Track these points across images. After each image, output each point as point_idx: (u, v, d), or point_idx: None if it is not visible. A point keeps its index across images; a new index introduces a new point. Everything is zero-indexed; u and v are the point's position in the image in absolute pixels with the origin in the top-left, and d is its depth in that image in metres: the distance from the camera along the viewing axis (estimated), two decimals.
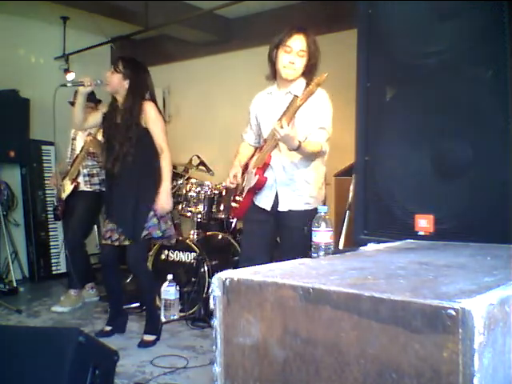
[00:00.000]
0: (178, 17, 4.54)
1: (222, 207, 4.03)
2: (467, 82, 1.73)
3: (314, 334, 0.93)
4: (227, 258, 3.85)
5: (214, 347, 1.08)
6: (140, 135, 3.03)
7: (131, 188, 3.03)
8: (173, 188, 4.13)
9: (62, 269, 5.00)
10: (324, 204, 2.68)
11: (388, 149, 1.93)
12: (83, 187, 3.93)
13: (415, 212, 1.82)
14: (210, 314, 3.28)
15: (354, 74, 2.04)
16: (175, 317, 3.59)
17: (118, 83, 3.08)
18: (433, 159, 1.79)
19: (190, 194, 4.03)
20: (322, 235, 1.66)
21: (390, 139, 1.93)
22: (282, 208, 2.61)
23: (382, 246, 1.62)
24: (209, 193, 4.00)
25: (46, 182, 4.90)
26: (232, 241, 3.93)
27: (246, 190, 2.73)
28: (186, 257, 3.79)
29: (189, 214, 4.05)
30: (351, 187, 2.89)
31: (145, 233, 3.06)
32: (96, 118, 3.28)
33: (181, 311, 3.64)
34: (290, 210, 2.60)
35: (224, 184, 4.00)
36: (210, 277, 3.49)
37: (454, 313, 0.76)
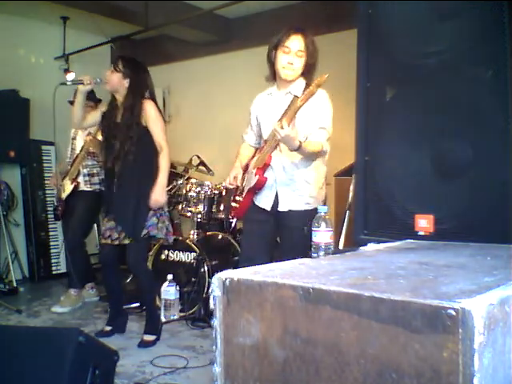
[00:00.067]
0: (178, 17, 4.54)
1: (221, 207, 4.03)
2: (467, 81, 1.73)
3: (313, 333, 0.93)
4: (227, 257, 3.85)
5: (213, 347, 1.08)
6: (140, 134, 3.04)
7: (132, 187, 3.03)
8: (173, 188, 4.15)
9: (62, 269, 5.00)
10: (324, 204, 2.68)
11: (388, 149, 1.93)
12: (83, 187, 3.93)
13: (415, 212, 1.82)
14: (210, 314, 3.28)
15: (353, 73, 2.04)
16: (175, 317, 3.59)
17: (117, 82, 3.08)
18: (433, 159, 1.79)
19: (190, 194, 4.03)
20: (321, 235, 1.66)
21: (389, 139, 1.93)
22: (281, 208, 2.62)
23: (382, 246, 1.62)
24: (209, 193, 4.00)
25: (46, 181, 4.90)
26: (232, 241, 3.93)
27: (245, 190, 2.73)
28: (186, 257, 3.79)
29: (189, 213, 4.05)
30: (351, 187, 2.89)
31: (144, 232, 3.06)
32: (95, 117, 3.28)
33: (181, 311, 3.64)
34: (289, 210, 2.60)
35: (224, 184, 4.01)
36: (210, 277, 3.49)
37: (453, 313, 0.76)
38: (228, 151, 4.06)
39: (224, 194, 4.02)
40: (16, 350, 1.82)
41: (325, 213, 1.68)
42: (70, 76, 5.05)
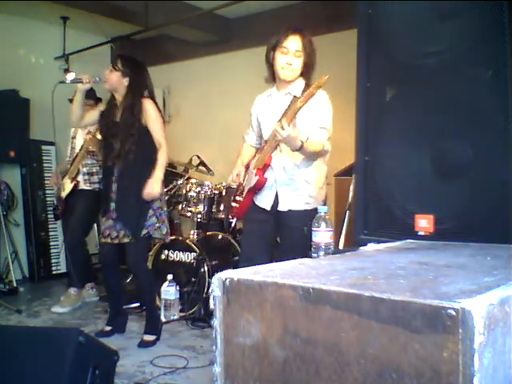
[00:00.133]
0: (178, 17, 4.54)
1: (222, 207, 4.03)
2: (467, 81, 1.73)
3: (314, 334, 0.93)
4: (227, 257, 3.85)
5: (213, 347, 1.08)
6: (140, 133, 3.04)
7: (133, 186, 3.03)
8: (173, 188, 4.15)
9: (62, 269, 5.00)
10: (325, 204, 2.68)
11: (388, 149, 1.93)
12: (83, 186, 3.93)
13: (415, 212, 1.82)
14: (210, 314, 3.28)
15: (353, 74, 2.04)
16: (175, 317, 3.59)
17: (116, 81, 3.09)
18: (433, 159, 1.79)
19: (190, 194, 4.03)
20: (321, 235, 1.66)
21: (390, 139, 1.93)
22: (281, 208, 2.62)
23: (382, 245, 1.62)
24: (209, 193, 4.00)
25: (46, 181, 4.90)
26: (232, 241, 3.93)
27: (245, 191, 2.73)
28: (186, 257, 3.79)
29: (189, 213, 4.05)
30: (351, 187, 2.89)
31: (144, 231, 3.07)
32: (93, 116, 3.28)
33: (181, 311, 3.64)
34: (289, 210, 2.61)
35: (225, 184, 4.02)
36: (210, 277, 3.49)
37: (453, 313, 0.76)
38: (228, 151, 4.06)
39: (224, 194, 4.02)
40: (16, 349, 1.82)
41: (325, 213, 1.68)
42: (70, 76, 5.02)
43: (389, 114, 1.96)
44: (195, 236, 3.95)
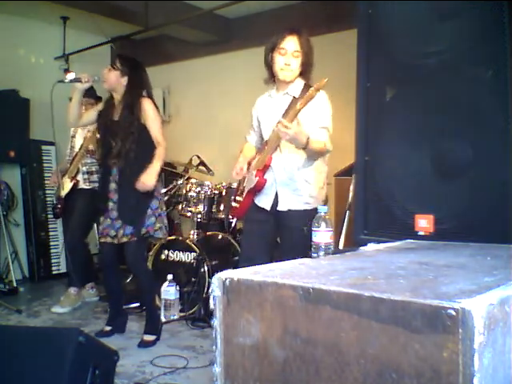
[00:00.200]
0: (178, 17, 4.54)
1: (222, 207, 4.03)
2: (467, 81, 1.73)
3: (314, 333, 0.93)
4: (227, 257, 3.86)
5: (214, 347, 1.08)
6: (139, 132, 3.05)
7: (133, 184, 3.03)
8: (173, 188, 4.15)
9: (62, 269, 5.00)
10: (325, 204, 2.68)
11: (388, 149, 1.93)
12: (82, 185, 3.94)
13: (415, 212, 1.81)
14: (210, 314, 3.28)
15: (353, 74, 2.04)
16: (175, 317, 3.59)
17: (115, 80, 3.09)
18: (433, 159, 1.79)
19: (190, 194, 4.03)
20: (321, 235, 1.66)
21: (389, 139, 1.93)
22: (281, 208, 2.62)
23: (382, 246, 1.62)
24: (209, 193, 4.00)
25: (46, 181, 4.91)
26: (232, 241, 3.93)
27: (246, 191, 2.74)
28: (186, 257, 3.79)
29: (189, 213, 4.05)
30: (351, 187, 2.89)
31: (143, 231, 3.08)
32: (90, 115, 3.29)
33: (181, 311, 3.64)
34: (289, 210, 2.61)
35: (225, 184, 4.02)
36: (210, 277, 3.49)
37: (453, 313, 0.76)
38: (228, 151, 4.07)
39: (224, 194, 4.02)
40: (16, 349, 1.82)
41: (325, 213, 1.69)
42: (70, 76, 5.02)
43: (389, 114, 1.96)
44: (195, 236, 3.96)
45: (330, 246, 1.67)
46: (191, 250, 3.76)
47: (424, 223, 1.79)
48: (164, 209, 3.25)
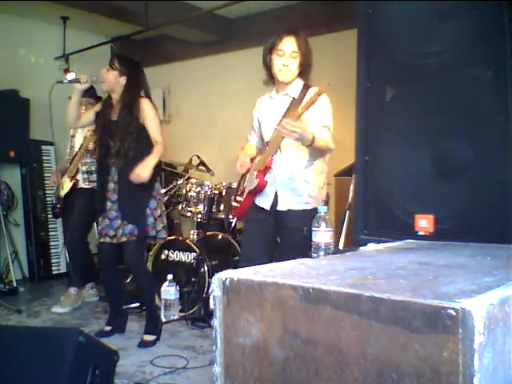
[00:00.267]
0: (178, 17, 4.54)
1: (222, 207, 4.03)
2: (467, 81, 1.73)
3: (314, 333, 0.93)
4: (227, 257, 3.86)
5: (214, 347, 1.08)
6: (138, 131, 3.06)
7: (133, 183, 3.03)
8: (173, 188, 4.15)
9: (62, 269, 5.00)
10: (327, 203, 2.68)
11: (388, 149, 1.93)
12: (82, 184, 3.93)
13: (415, 212, 1.81)
14: (210, 314, 3.28)
15: (353, 73, 2.04)
16: (175, 317, 3.59)
17: (114, 80, 3.09)
18: (433, 159, 1.79)
19: (190, 194, 4.03)
20: (321, 235, 1.66)
21: (389, 139, 1.93)
22: (280, 207, 2.62)
23: (382, 246, 1.62)
24: (209, 193, 4.00)
25: (46, 181, 4.91)
26: (232, 241, 3.93)
27: (246, 191, 2.74)
28: (186, 257, 3.79)
29: (189, 213, 4.05)
30: (351, 187, 2.89)
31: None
32: (89, 116, 3.30)
33: (181, 311, 3.64)
34: (289, 210, 2.61)
35: (225, 184, 4.02)
36: (210, 277, 3.49)
37: (453, 313, 0.75)
38: (228, 151, 4.07)
39: (224, 194, 4.02)
40: (16, 349, 1.82)
41: (325, 213, 1.69)
42: (70, 76, 5.02)
43: (389, 114, 1.96)
44: (195, 236, 3.96)
45: (330, 246, 1.67)
46: (191, 250, 3.76)
47: (424, 223, 1.79)
48: (163, 209, 3.25)
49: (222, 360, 1.07)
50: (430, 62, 1.78)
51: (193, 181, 4.11)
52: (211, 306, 1.09)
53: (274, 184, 2.64)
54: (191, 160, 4.34)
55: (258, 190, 2.65)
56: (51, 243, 5.03)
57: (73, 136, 4.06)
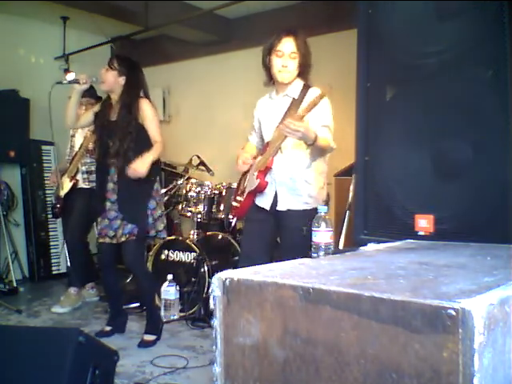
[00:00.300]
0: (178, 17, 4.54)
1: (222, 207, 4.03)
2: (467, 81, 1.73)
3: (314, 334, 0.93)
4: (227, 258, 3.85)
5: (214, 347, 1.08)
6: (137, 131, 3.06)
7: (134, 183, 3.03)
8: (173, 188, 4.15)
9: (62, 269, 5.00)
10: (327, 204, 2.68)
11: (388, 149, 1.93)
12: (82, 184, 3.93)
13: (415, 212, 1.81)
14: (210, 314, 3.28)
15: (353, 74, 2.04)
16: (175, 317, 3.59)
17: (113, 80, 3.09)
18: (433, 159, 1.79)
19: (190, 194, 4.03)
20: (321, 235, 1.66)
21: (389, 139, 1.93)
22: (280, 207, 2.62)
23: (382, 246, 1.62)
24: (209, 193, 4.00)
25: (46, 181, 4.90)
26: (232, 241, 3.93)
27: (246, 192, 2.74)
28: (186, 257, 3.79)
29: (189, 213, 4.05)
30: (351, 187, 2.89)
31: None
32: (87, 117, 3.30)
33: (181, 311, 3.64)
34: (288, 210, 2.61)
35: (225, 184, 4.02)
36: (210, 277, 3.49)
37: (453, 313, 0.76)
38: (228, 151, 4.06)
39: (224, 194, 4.02)
40: (16, 349, 1.82)
41: (325, 213, 1.69)
42: (70, 76, 5.00)
43: (389, 114, 1.96)
44: (195, 236, 3.96)
45: (330, 245, 1.67)
46: (191, 250, 3.76)
47: (424, 223, 1.79)
48: (162, 209, 3.25)
49: (222, 360, 1.07)
50: (430, 61, 1.78)
51: (193, 181, 4.11)
52: (211, 306, 1.09)
53: (274, 184, 2.64)
54: (191, 160, 4.34)
55: (259, 190, 2.65)
56: (51, 243, 5.02)
57: (73, 136, 4.06)
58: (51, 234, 5.03)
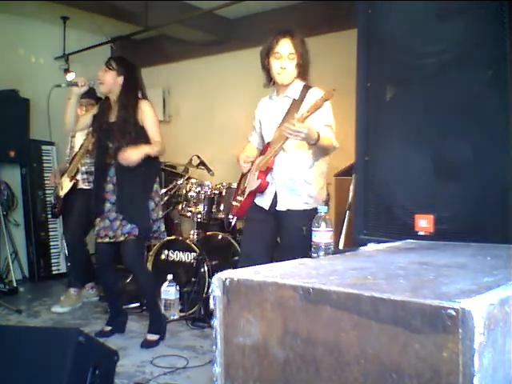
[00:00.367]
0: (178, 17, 4.54)
1: (222, 207, 4.03)
2: (467, 81, 1.73)
3: (314, 334, 0.93)
4: (227, 258, 3.86)
5: (213, 347, 1.08)
6: (137, 132, 3.06)
7: (134, 183, 3.03)
8: (173, 188, 4.15)
9: (62, 269, 5.00)
10: (327, 204, 2.68)
11: (388, 149, 1.93)
12: (81, 185, 3.93)
13: (415, 212, 1.81)
14: (210, 314, 3.28)
15: (353, 74, 2.04)
16: (175, 317, 3.59)
17: (112, 81, 3.10)
18: (433, 159, 1.79)
19: (190, 194, 4.03)
20: (321, 235, 1.66)
21: (389, 139, 1.93)
22: (280, 207, 2.62)
23: (381, 246, 1.62)
24: (209, 193, 4.00)
25: (46, 181, 4.90)
26: (232, 241, 3.93)
27: (247, 192, 2.74)
28: (186, 257, 3.79)
29: (189, 213, 4.05)
30: (351, 187, 2.89)
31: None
32: (86, 119, 3.30)
33: (181, 311, 3.64)
34: (288, 210, 2.61)
35: (225, 184, 4.02)
36: (210, 277, 3.49)
37: (453, 313, 0.76)
38: (228, 151, 4.06)
39: (224, 193, 4.02)
40: (16, 349, 1.82)
41: (325, 213, 1.69)
42: (70, 76, 5.05)
43: (389, 114, 1.96)
44: (195, 236, 3.96)
45: (330, 245, 1.67)
46: (191, 250, 3.76)
47: (424, 223, 1.79)
48: (161, 212, 3.25)
49: (222, 360, 1.07)
50: (430, 61, 1.78)
51: (193, 181, 4.11)
52: (211, 306, 1.09)
53: (274, 184, 2.64)
54: (191, 160, 4.34)
55: (260, 190, 2.65)
56: (51, 243, 5.03)
57: (73, 136, 4.06)
58: (51, 234, 5.04)
